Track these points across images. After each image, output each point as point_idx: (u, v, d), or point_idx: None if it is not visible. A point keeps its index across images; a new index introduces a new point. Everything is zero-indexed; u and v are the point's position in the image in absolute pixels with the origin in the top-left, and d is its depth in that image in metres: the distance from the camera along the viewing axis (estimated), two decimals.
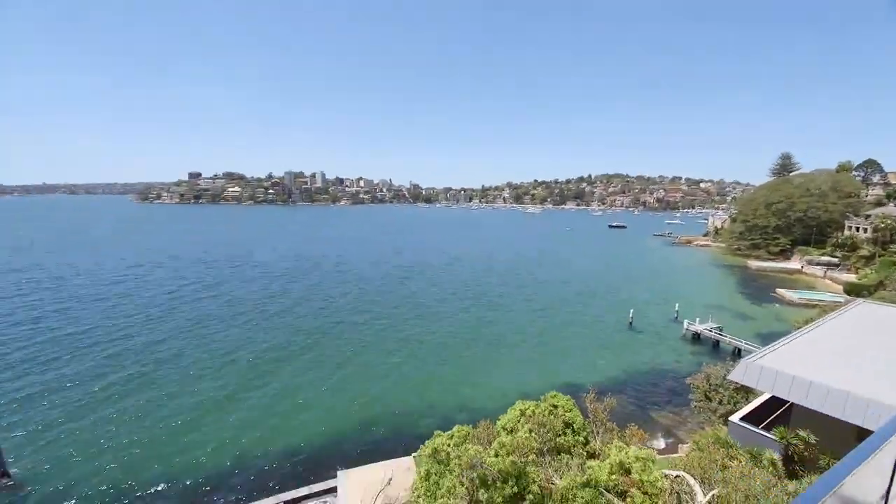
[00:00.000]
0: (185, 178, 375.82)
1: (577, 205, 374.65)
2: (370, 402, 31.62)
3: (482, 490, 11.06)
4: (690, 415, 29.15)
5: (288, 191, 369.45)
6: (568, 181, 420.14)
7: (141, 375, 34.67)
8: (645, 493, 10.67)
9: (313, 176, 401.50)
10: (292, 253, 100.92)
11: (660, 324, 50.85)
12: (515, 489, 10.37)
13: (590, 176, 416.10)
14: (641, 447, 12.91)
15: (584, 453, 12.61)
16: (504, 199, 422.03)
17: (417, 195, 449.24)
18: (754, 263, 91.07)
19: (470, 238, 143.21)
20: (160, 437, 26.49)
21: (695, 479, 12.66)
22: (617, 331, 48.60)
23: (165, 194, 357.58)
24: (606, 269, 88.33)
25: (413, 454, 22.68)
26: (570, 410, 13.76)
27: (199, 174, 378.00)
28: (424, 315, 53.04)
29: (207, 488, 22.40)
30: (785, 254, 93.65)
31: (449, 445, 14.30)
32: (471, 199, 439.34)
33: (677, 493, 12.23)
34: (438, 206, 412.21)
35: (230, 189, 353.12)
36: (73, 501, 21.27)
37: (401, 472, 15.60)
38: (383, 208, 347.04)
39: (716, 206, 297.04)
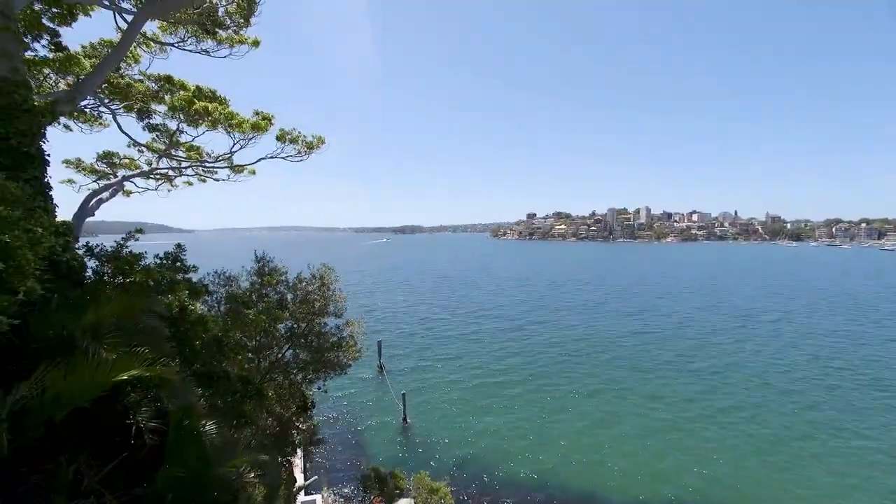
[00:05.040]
0: (524, 217, 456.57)
1: None
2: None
3: None
4: None
5: (609, 227, 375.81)
6: None
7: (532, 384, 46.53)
8: None
9: (637, 212, 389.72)
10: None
11: None
12: None
13: None
14: None
15: None
16: None
17: (777, 230, 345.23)
18: None
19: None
20: (518, 442, 32.04)
21: None
22: None
23: (509, 232, 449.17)
24: None
25: None
26: None
27: (535, 214, 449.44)
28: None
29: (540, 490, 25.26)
30: None
31: None
32: (881, 236, 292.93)
33: None
34: (812, 244, 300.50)
35: (557, 227, 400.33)
36: (439, 449, 31.29)
37: None
38: (718, 247, 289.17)
39: None
